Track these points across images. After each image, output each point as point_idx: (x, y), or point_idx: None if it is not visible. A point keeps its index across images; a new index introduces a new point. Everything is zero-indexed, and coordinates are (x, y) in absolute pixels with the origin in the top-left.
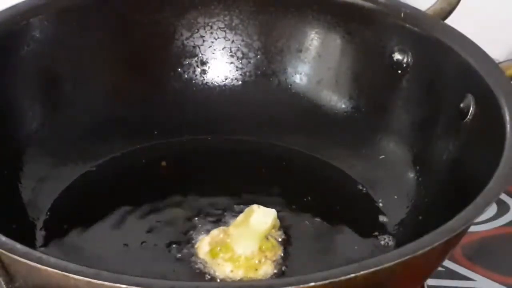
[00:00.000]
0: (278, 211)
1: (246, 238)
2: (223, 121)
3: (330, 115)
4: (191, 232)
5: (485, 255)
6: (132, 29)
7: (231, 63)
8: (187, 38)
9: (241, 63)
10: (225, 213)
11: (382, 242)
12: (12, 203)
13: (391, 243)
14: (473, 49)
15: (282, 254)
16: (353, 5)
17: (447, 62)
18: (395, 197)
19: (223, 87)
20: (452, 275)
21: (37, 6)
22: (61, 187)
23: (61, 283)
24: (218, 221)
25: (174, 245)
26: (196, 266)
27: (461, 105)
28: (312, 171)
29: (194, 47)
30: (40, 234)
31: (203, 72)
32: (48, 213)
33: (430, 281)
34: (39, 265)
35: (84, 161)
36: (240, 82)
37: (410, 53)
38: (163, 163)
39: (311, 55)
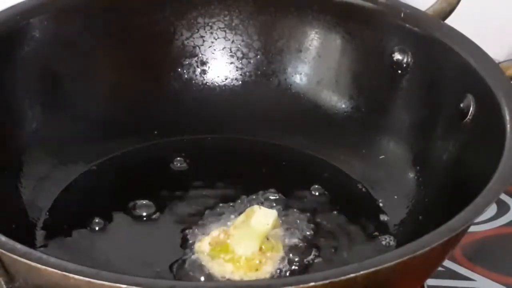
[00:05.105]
0: (278, 212)
1: (247, 238)
2: (223, 121)
3: (330, 115)
4: (191, 232)
5: (485, 255)
6: (132, 29)
7: (231, 63)
8: (187, 38)
9: (241, 63)
10: (226, 214)
11: (384, 242)
12: (12, 203)
13: (392, 243)
14: (473, 49)
15: (282, 255)
16: (353, 5)
17: (447, 62)
18: (395, 197)
19: (223, 87)
20: (452, 275)
21: (37, 6)
22: (61, 187)
23: (61, 283)
24: (219, 221)
25: (174, 245)
26: (196, 266)
27: (461, 105)
28: (312, 171)
29: (194, 47)
30: (40, 234)
31: (203, 72)
32: (48, 213)
33: (430, 281)
34: (39, 265)
35: (84, 161)
36: (240, 82)
37: (410, 53)
38: (178, 159)
39: (311, 55)
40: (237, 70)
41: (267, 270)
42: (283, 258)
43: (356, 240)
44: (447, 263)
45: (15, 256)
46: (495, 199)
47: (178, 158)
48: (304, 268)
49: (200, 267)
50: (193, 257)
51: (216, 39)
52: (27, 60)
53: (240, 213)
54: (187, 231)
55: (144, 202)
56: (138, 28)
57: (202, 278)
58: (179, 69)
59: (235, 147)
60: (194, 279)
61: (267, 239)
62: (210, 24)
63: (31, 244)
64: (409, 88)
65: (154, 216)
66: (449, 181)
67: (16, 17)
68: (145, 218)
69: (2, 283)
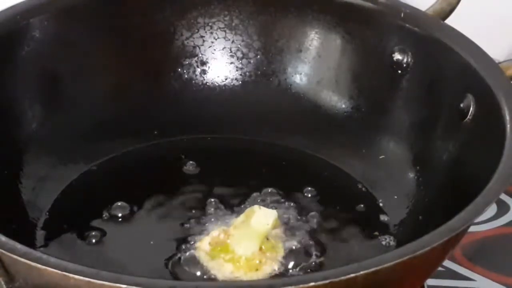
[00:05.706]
0: (278, 212)
1: (247, 238)
2: (223, 121)
3: (330, 115)
4: (191, 232)
5: (485, 255)
6: (132, 29)
7: (231, 63)
8: (187, 38)
9: (241, 63)
10: (226, 213)
11: (384, 242)
12: (12, 203)
13: (392, 243)
14: (473, 49)
15: (282, 255)
16: (353, 5)
17: (447, 62)
18: (395, 197)
19: (223, 87)
20: (452, 275)
21: (37, 6)
22: (61, 187)
23: (61, 283)
24: (219, 221)
25: (173, 245)
26: (196, 266)
27: (461, 105)
28: (312, 171)
29: (194, 47)
30: (40, 234)
31: (203, 72)
32: (48, 213)
33: (430, 281)
34: (39, 265)
35: (84, 161)
36: (240, 82)
37: (410, 53)
38: (184, 158)
39: (311, 55)
40: (237, 70)
41: (267, 270)
42: (283, 258)
43: (356, 240)
44: (447, 263)
45: (15, 256)
46: (495, 199)
47: (178, 158)
48: (304, 268)
49: (199, 267)
50: (193, 257)
51: (216, 39)
52: (27, 60)
53: (240, 213)
54: (186, 230)
55: (144, 202)
56: (138, 28)
57: (199, 273)
58: (179, 69)
59: (235, 147)
60: (194, 279)
61: (267, 239)
62: (210, 24)
63: (31, 244)
64: (409, 88)
65: (153, 216)
66: (449, 181)
67: (16, 17)
68: (144, 218)
69: (2, 283)
